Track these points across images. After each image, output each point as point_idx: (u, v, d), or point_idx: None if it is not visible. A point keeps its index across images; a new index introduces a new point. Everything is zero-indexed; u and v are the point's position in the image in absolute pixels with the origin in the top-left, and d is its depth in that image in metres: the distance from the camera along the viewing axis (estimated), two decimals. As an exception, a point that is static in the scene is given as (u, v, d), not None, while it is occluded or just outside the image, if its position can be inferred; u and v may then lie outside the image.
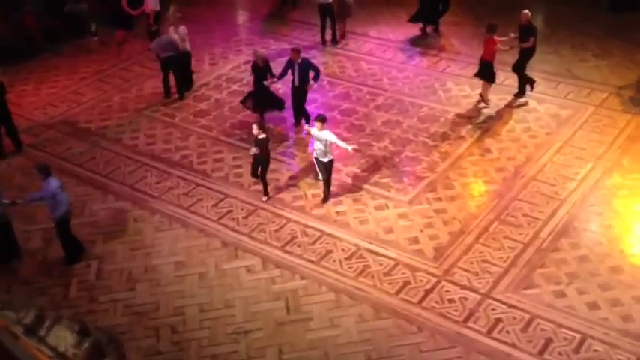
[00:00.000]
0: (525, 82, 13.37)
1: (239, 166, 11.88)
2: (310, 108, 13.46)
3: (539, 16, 16.42)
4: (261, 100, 12.59)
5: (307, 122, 12.54)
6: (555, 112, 12.89)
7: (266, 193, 11.00)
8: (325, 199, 10.92)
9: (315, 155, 10.67)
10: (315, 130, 10.41)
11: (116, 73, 15.28)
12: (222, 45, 16.35)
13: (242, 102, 12.91)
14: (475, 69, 13.26)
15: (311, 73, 12.35)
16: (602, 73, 14.10)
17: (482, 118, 12.89)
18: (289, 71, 12.42)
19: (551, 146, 11.93)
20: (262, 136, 10.50)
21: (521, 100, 13.31)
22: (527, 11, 12.96)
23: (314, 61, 12.95)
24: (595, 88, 13.58)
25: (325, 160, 10.57)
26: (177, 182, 11.58)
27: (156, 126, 13.25)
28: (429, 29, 16.37)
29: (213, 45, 16.32)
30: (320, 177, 10.90)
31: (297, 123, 12.86)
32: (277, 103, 12.82)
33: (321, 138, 10.35)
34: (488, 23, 12.83)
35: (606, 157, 11.57)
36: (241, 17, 18.36)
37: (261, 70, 12.52)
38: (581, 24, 15.57)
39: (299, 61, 12.29)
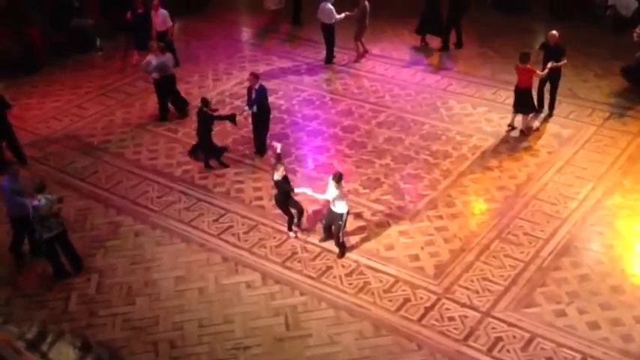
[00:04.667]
0: (553, 102, 13.42)
1: (240, 182, 11.91)
2: (313, 125, 13.59)
3: (541, 36, 16.50)
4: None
5: (258, 152, 12.44)
6: (557, 132, 12.92)
7: (290, 228, 10.54)
8: (341, 253, 10.10)
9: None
10: (332, 186, 9.67)
11: (120, 88, 15.37)
12: (226, 61, 16.44)
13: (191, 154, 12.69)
14: (477, 88, 13.27)
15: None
16: (603, 94, 14.14)
17: (484, 136, 12.91)
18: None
19: (553, 165, 11.94)
20: (277, 177, 10.12)
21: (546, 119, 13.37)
22: (554, 32, 12.96)
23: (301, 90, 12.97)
24: (597, 108, 13.62)
25: (337, 211, 9.75)
26: (178, 197, 11.60)
27: (159, 141, 13.30)
28: (436, 44, 16.44)
29: (217, 61, 16.42)
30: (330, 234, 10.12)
31: (260, 152, 12.59)
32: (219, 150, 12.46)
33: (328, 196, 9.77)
34: (520, 52, 12.66)
35: (607, 177, 11.57)
36: (246, 34, 18.48)
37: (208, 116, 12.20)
38: (584, 45, 15.64)
39: (256, 87, 12.10)
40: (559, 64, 12.84)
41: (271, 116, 12.77)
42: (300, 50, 16.90)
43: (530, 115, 12.99)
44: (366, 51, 16.31)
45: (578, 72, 14.86)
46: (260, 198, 11.49)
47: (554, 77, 13.12)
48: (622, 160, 11.99)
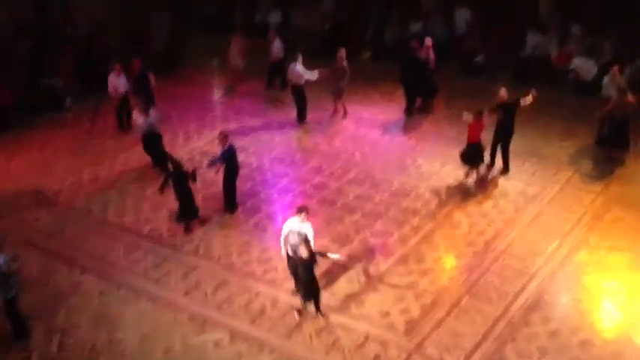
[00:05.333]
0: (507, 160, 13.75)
1: (209, 239, 11.80)
2: (283, 182, 13.63)
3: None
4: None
5: (228, 208, 12.40)
6: (523, 190, 13.12)
7: (318, 309, 9.85)
8: (317, 310, 9.79)
9: (290, 253, 9.69)
10: (296, 221, 9.71)
11: (89, 147, 15.31)
12: (198, 121, 16.54)
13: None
14: (445, 147, 13.53)
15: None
16: (567, 153, 14.46)
17: (453, 193, 13.06)
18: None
19: (520, 222, 12.08)
20: (305, 255, 9.41)
21: (495, 175, 13.63)
22: (504, 90, 13.44)
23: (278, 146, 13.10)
24: (560, 167, 13.90)
25: (304, 255, 9.36)
26: (145, 254, 11.43)
27: (127, 198, 13.20)
28: (418, 103, 16.79)
29: (188, 121, 16.49)
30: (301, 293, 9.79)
31: (230, 208, 12.57)
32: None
33: (301, 232, 9.55)
34: (475, 110, 13.13)
35: (573, 234, 11.71)
36: (217, 94, 18.68)
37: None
38: (547, 106, 16.07)
39: (225, 147, 12.16)
40: (486, 111, 13.29)
41: (241, 174, 12.77)
42: (274, 110, 17.10)
43: (481, 166, 13.39)
44: (336, 112, 16.58)
45: (542, 132, 15.23)
46: (229, 255, 11.37)
47: (503, 135, 13.48)
48: (587, 218, 12.18)
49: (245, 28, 19.65)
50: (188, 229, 12.05)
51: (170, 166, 11.95)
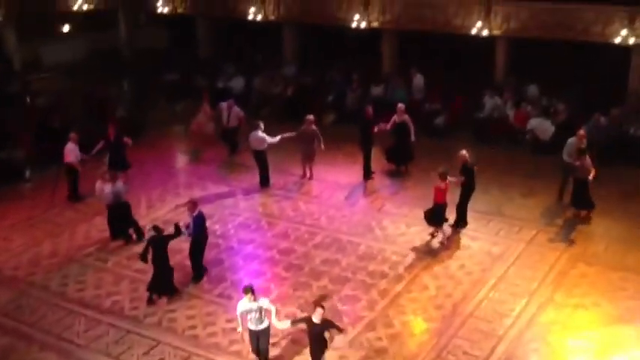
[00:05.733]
0: (464, 218, 13.92)
1: (173, 310, 11.50)
2: (249, 248, 13.48)
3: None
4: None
5: (196, 277, 12.27)
6: (488, 249, 13.19)
7: None
8: None
9: (248, 326, 9.66)
10: (245, 301, 9.53)
11: (48, 219, 14.99)
12: (160, 188, 16.38)
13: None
14: (410, 208, 13.59)
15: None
16: (529, 212, 14.65)
17: (419, 255, 13.04)
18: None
19: (486, 282, 12.08)
20: (317, 320, 9.27)
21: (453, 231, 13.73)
22: (464, 151, 13.67)
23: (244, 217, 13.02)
24: (524, 225, 14.04)
25: (261, 327, 9.60)
26: (106, 329, 11.06)
27: (87, 271, 12.86)
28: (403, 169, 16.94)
29: (150, 188, 16.33)
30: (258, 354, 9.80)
31: (198, 277, 12.41)
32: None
33: (255, 308, 9.49)
34: (440, 171, 13.20)
35: (539, 293, 11.74)
36: (181, 161, 18.60)
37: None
38: (507, 165, 16.39)
39: (194, 214, 12.08)
40: (455, 179, 13.48)
41: (207, 241, 12.61)
42: (235, 175, 17.07)
43: (446, 227, 13.51)
44: (305, 175, 16.62)
45: (504, 191, 15.45)
46: (194, 327, 11.07)
47: (465, 192, 13.75)
48: (552, 275, 12.25)
49: (209, 94, 19.77)
50: (151, 301, 11.74)
51: (153, 232, 11.84)
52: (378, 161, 16.90)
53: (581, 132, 14.62)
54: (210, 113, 18.67)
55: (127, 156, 16.12)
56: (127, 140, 15.97)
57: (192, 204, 12.21)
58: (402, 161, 16.92)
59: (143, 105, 21.37)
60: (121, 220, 13.76)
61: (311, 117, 16.24)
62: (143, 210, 15.24)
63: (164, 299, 11.80)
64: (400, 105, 16.69)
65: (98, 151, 15.97)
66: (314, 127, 16.17)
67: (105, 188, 13.49)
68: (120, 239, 13.71)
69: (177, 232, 11.98)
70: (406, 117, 16.45)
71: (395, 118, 16.49)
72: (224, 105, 18.18)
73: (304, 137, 16.23)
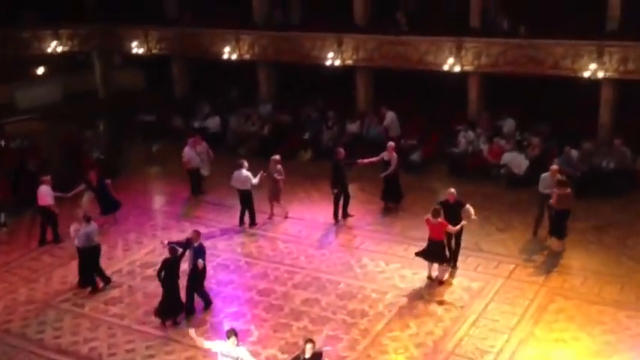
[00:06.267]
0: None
1: (152, 356, 11.33)
2: (228, 290, 13.38)
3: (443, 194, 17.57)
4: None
5: (206, 306, 12.52)
6: (467, 285, 13.24)
7: None
8: None
9: None
10: (229, 344, 9.38)
11: (24, 264, 14.75)
12: (137, 230, 16.25)
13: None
14: (389, 245, 13.59)
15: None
16: (507, 246, 14.77)
17: (399, 292, 13.05)
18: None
19: (467, 319, 12.10)
20: (308, 355, 9.24)
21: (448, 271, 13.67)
22: (452, 190, 13.72)
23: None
24: (502, 260, 14.14)
25: None
26: (84, 377, 10.86)
27: (64, 317, 12.63)
28: (391, 205, 16.93)
29: (127, 230, 16.19)
30: None
31: (207, 305, 12.65)
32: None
33: (234, 355, 9.33)
34: (432, 208, 13.12)
35: (520, 328, 11.79)
36: (158, 202, 18.51)
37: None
38: (483, 201, 16.54)
39: (195, 244, 12.30)
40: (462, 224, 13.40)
41: (185, 283, 12.53)
42: (213, 215, 16.99)
43: (444, 265, 13.39)
44: (272, 215, 16.59)
45: (481, 226, 15.56)
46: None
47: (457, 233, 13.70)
48: (532, 310, 12.32)
49: (184, 134, 19.71)
50: (175, 323, 12.17)
51: (169, 251, 12.16)
52: (355, 198, 16.96)
53: (554, 167, 14.87)
54: (207, 151, 18.51)
55: (114, 196, 16.35)
56: (108, 182, 16.14)
57: (197, 234, 12.45)
58: (390, 198, 16.95)
59: (119, 146, 21.30)
60: (89, 265, 13.56)
61: (277, 157, 16.32)
62: (120, 253, 15.08)
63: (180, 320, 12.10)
64: (390, 143, 16.82)
65: (75, 194, 15.91)
66: (279, 166, 16.24)
67: (78, 229, 13.33)
68: (87, 287, 13.49)
69: (185, 247, 12.34)
70: (394, 155, 16.56)
71: (384, 155, 16.60)
72: (190, 142, 18.09)
73: (271, 177, 16.28)
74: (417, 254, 13.45)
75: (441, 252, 13.27)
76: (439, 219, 12.97)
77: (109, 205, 16.32)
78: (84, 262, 13.57)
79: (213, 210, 17.32)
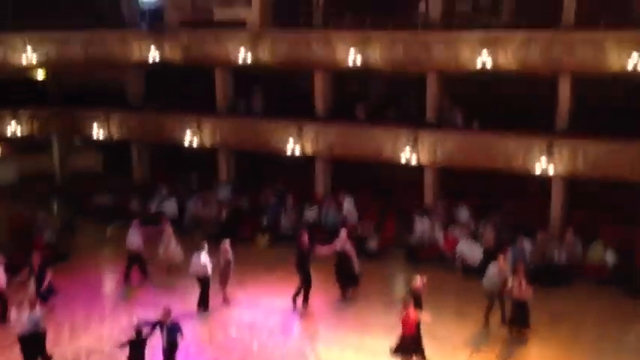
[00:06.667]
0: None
1: None
2: (177, 378, 12.87)
3: (400, 280, 17.56)
4: None
5: None
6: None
7: None
8: None
9: None
10: None
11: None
12: (85, 314, 15.67)
13: None
14: (345, 332, 13.35)
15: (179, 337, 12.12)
16: (462, 334, 14.62)
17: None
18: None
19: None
20: None
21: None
22: (419, 277, 13.77)
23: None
24: (457, 347, 14.03)
25: None
26: None
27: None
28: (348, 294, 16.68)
29: (74, 314, 15.60)
30: None
31: None
32: None
33: None
34: (403, 301, 13.08)
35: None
36: (108, 285, 17.99)
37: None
38: (438, 288, 16.46)
39: (168, 323, 12.05)
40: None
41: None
42: (166, 298, 16.45)
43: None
44: (225, 300, 16.31)
45: (436, 314, 15.32)
46: None
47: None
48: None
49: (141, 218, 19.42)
50: None
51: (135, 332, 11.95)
52: (315, 286, 16.78)
53: (501, 260, 15.02)
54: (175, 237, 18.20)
55: (51, 283, 15.57)
56: (49, 273, 15.49)
57: (167, 312, 12.19)
58: (346, 286, 16.77)
59: (72, 228, 20.91)
60: (34, 352, 12.94)
61: (226, 245, 16.16)
62: (66, 337, 14.48)
63: None
64: (342, 233, 16.74)
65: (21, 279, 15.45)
66: (229, 254, 16.09)
67: (22, 316, 12.80)
68: None
69: (153, 327, 12.10)
70: (348, 246, 16.51)
71: (336, 244, 16.55)
72: (133, 224, 17.82)
73: (220, 263, 16.09)
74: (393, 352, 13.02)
75: (416, 347, 12.88)
76: (407, 310, 12.70)
77: (45, 291, 15.32)
78: (27, 349, 12.92)
79: (166, 293, 16.84)
